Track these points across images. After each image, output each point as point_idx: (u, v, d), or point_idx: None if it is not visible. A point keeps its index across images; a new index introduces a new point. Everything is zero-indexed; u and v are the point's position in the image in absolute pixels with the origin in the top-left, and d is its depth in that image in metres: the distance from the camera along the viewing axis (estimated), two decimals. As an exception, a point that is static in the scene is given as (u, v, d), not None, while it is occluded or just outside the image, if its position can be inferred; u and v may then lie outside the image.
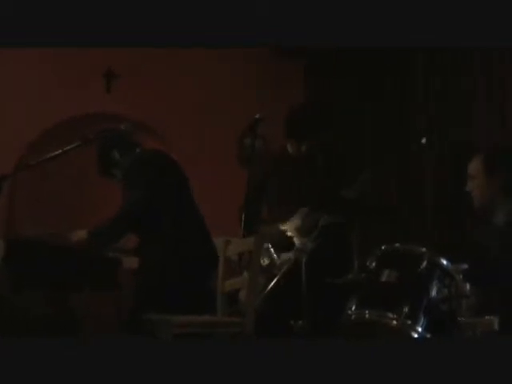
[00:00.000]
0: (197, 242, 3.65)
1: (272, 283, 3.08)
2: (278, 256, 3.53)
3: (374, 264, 2.82)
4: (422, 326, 2.58)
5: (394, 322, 2.59)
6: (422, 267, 2.67)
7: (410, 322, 2.58)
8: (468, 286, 2.60)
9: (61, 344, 2.14)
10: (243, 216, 3.63)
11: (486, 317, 2.47)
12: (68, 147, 3.34)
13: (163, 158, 3.84)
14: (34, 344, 2.12)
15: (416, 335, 2.56)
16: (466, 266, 2.65)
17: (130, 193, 3.56)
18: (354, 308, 2.73)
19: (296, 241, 3.52)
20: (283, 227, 3.62)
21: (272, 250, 3.57)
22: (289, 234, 3.58)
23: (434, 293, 2.64)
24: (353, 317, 2.71)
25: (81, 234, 3.43)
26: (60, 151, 3.32)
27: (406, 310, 2.59)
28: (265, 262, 3.55)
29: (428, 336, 2.56)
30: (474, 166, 3.14)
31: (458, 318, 2.52)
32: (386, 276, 2.73)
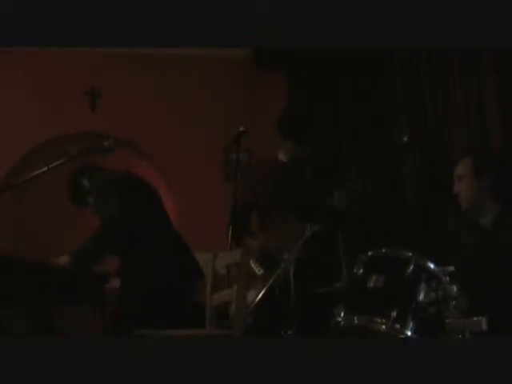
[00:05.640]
0: (175, 255, 3.62)
1: (260, 294, 3.06)
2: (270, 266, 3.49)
3: (361, 270, 2.82)
4: (410, 330, 2.57)
5: (383, 327, 2.58)
6: (408, 271, 2.67)
7: (398, 326, 2.56)
8: (455, 288, 2.60)
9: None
10: (230, 230, 3.62)
11: (474, 318, 2.46)
12: (52, 165, 3.33)
13: (126, 174, 3.83)
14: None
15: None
16: (452, 268, 2.64)
17: (104, 212, 3.53)
18: (342, 314, 2.72)
19: (283, 251, 3.50)
20: (270, 238, 3.61)
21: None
22: (276, 244, 3.57)
23: (421, 296, 2.63)
24: (342, 323, 2.70)
25: (64, 260, 3.36)
26: (46, 168, 3.32)
27: (394, 314, 2.57)
28: (260, 271, 3.52)
29: (417, 339, 2.55)
30: (463, 167, 3.12)
31: (446, 320, 2.51)
32: (373, 281, 2.72)
